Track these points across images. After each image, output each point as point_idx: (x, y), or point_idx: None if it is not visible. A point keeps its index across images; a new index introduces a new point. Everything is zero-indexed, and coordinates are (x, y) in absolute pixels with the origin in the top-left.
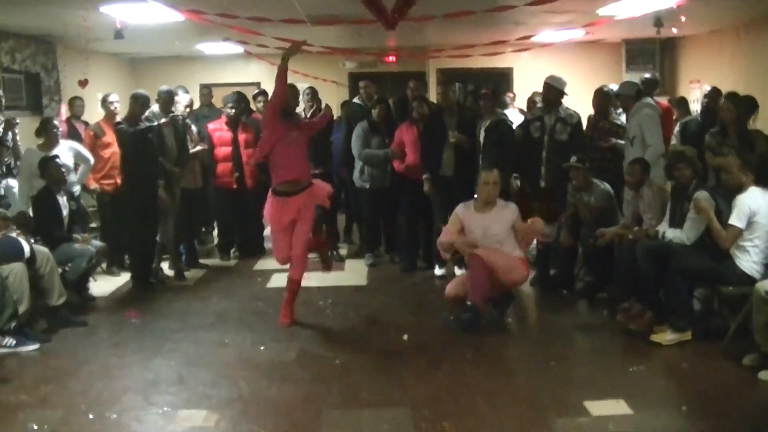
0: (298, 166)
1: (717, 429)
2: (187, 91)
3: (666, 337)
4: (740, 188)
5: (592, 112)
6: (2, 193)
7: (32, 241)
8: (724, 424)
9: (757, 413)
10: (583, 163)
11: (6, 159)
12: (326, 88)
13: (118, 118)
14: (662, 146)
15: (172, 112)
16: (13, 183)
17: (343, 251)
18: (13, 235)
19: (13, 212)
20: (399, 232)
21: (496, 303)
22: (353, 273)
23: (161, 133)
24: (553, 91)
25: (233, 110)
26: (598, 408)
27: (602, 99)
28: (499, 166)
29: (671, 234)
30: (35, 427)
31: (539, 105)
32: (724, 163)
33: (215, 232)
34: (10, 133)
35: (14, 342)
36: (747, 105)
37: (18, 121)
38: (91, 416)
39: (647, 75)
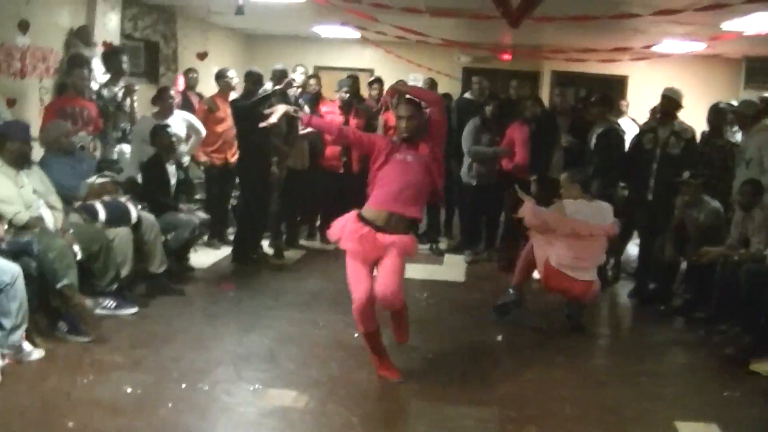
0: (403, 195)
1: None
2: (306, 72)
3: (765, 367)
4: None
5: (705, 127)
6: (116, 158)
7: (139, 207)
8: None
9: None
10: (696, 178)
11: (122, 124)
12: (439, 79)
13: (234, 94)
14: None
15: (286, 93)
16: (127, 149)
17: (443, 245)
18: (122, 199)
19: (123, 178)
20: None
21: (571, 313)
22: (451, 268)
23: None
24: (671, 103)
25: (347, 94)
26: (688, 429)
27: (717, 115)
28: (604, 174)
29: None
30: (129, 389)
31: (658, 116)
32: None
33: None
34: (128, 99)
35: (114, 304)
36: None
37: (137, 87)
38: (183, 385)
39: (766, 94)
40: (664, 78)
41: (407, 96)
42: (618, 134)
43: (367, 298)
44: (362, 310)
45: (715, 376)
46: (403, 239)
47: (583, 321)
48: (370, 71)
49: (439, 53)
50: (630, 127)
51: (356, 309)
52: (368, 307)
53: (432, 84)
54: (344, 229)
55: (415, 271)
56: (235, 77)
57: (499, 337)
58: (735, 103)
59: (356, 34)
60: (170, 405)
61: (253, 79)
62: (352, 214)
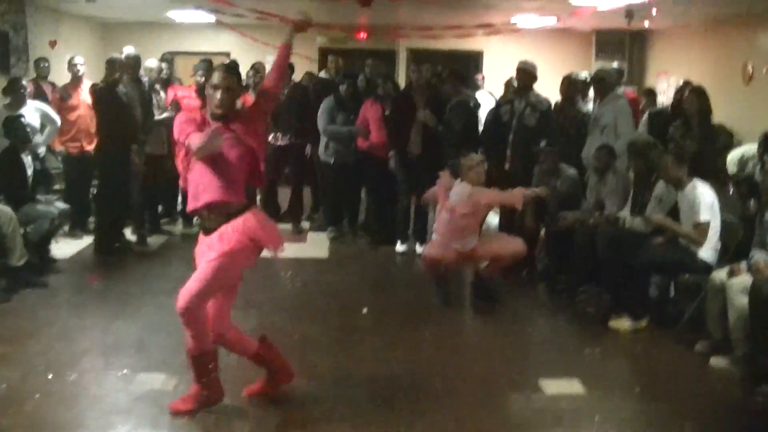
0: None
1: (668, 411)
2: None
3: (623, 324)
4: (679, 183)
5: (558, 98)
6: None
7: None
8: (675, 407)
9: (706, 397)
10: (553, 147)
11: None
12: (297, 61)
13: (86, 81)
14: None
15: (139, 77)
16: None
17: (305, 224)
18: None
19: None
20: (361, 208)
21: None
22: (315, 246)
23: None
24: (526, 75)
25: (203, 78)
26: (552, 386)
27: (570, 86)
28: (459, 145)
29: (631, 222)
30: None
31: (514, 89)
32: (661, 164)
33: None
34: None
35: None
36: (723, 139)
37: None
38: (50, 376)
39: (615, 65)
40: (518, 52)
41: (225, 65)
42: (466, 106)
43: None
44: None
45: (577, 335)
46: (227, 230)
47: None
48: (226, 54)
49: (296, 35)
50: (487, 100)
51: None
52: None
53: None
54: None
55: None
56: (80, 64)
57: (365, 310)
58: (585, 74)
59: (211, 18)
60: (37, 397)
61: (115, 66)
62: None
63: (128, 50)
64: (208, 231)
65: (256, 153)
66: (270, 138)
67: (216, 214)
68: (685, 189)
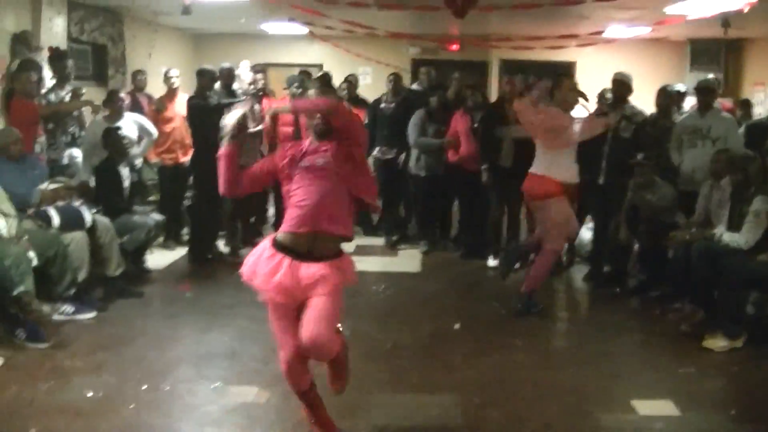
0: (319, 210)
1: None
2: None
3: (718, 343)
4: None
5: (653, 110)
6: (66, 162)
7: (93, 210)
8: None
9: None
10: (649, 160)
11: (71, 129)
12: (388, 72)
13: (181, 93)
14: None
15: (233, 89)
16: (77, 153)
17: (396, 237)
18: (76, 204)
19: (76, 182)
20: (452, 220)
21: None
22: (407, 259)
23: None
24: (622, 87)
25: (299, 90)
26: (645, 407)
27: (665, 98)
28: None
29: (728, 237)
30: (90, 392)
31: (609, 101)
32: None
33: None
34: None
35: (72, 309)
36: None
37: (84, 91)
38: (144, 386)
39: (711, 76)
40: (611, 63)
41: (319, 85)
42: None
43: (296, 356)
44: (291, 370)
45: (670, 353)
46: (335, 267)
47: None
48: (319, 66)
49: (388, 46)
50: (580, 112)
51: (284, 370)
52: (298, 366)
53: (396, 78)
54: (257, 265)
55: (371, 263)
56: (176, 76)
57: (457, 326)
58: (680, 86)
59: (304, 30)
60: (132, 406)
61: (207, 77)
62: (266, 242)
63: (225, 64)
64: (303, 257)
65: (358, 176)
66: (376, 152)
67: (321, 244)
68: None
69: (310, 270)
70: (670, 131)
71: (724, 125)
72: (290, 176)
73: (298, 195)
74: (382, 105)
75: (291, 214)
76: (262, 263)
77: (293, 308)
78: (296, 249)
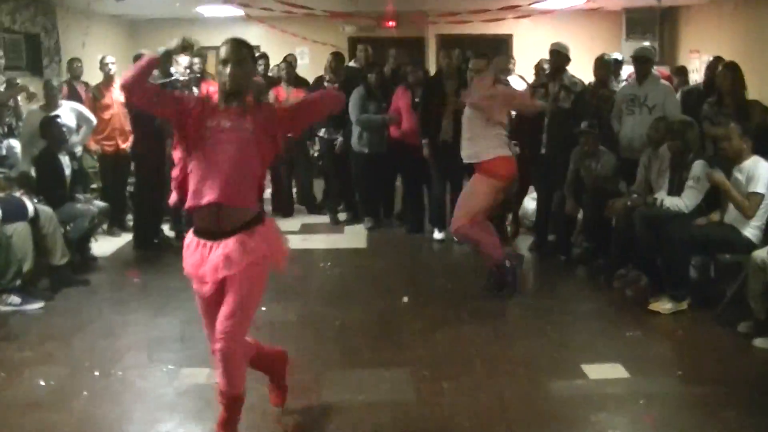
0: (226, 179)
1: (712, 394)
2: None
3: (664, 306)
4: (739, 157)
5: (591, 79)
6: (4, 153)
7: (35, 200)
8: (719, 390)
9: (752, 379)
10: (593, 129)
11: (7, 119)
12: (325, 51)
13: (118, 80)
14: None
15: (171, 74)
16: (15, 143)
17: (342, 216)
18: (17, 194)
19: (15, 173)
20: (395, 196)
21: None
22: (353, 236)
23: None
24: (560, 57)
25: None
26: (595, 371)
27: (603, 67)
28: None
29: (669, 202)
30: (42, 382)
31: (547, 72)
32: (723, 133)
33: None
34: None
35: (19, 300)
36: (758, 115)
37: (18, 81)
38: (96, 373)
39: (646, 44)
40: (547, 35)
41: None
42: None
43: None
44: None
45: (617, 318)
46: (248, 241)
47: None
48: (256, 48)
49: (324, 25)
50: (518, 84)
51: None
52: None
53: (337, 57)
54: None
55: (317, 241)
56: (112, 63)
57: (405, 299)
58: (617, 55)
59: (240, 12)
60: (86, 394)
61: None
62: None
63: (160, 49)
64: (212, 235)
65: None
66: (321, 133)
67: (227, 217)
68: (744, 163)
69: (218, 251)
70: (609, 100)
71: (661, 93)
72: (195, 135)
73: (203, 162)
74: (325, 84)
75: (195, 185)
76: (187, 250)
77: (215, 298)
78: (203, 226)
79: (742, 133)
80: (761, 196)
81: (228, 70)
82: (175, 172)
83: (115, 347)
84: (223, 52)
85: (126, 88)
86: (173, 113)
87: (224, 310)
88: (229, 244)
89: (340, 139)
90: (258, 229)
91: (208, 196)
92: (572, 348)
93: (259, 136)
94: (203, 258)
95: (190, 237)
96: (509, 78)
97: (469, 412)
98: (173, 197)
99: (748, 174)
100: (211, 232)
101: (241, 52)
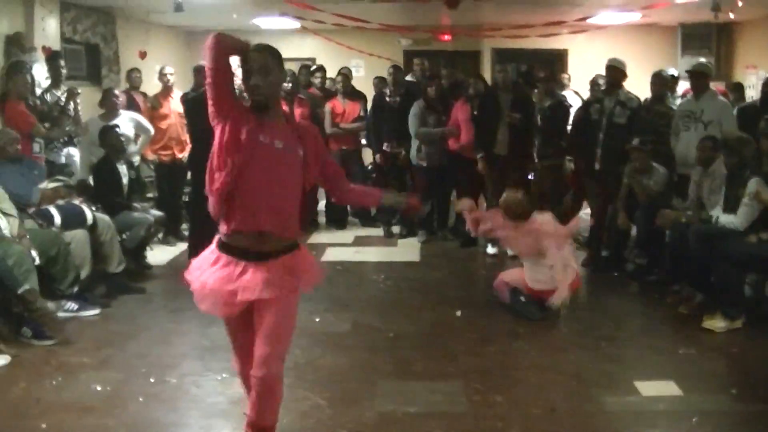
0: (276, 207)
1: (766, 412)
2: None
3: (717, 324)
4: None
5: (647, 95)
6: (64, 161)
7: (93, 209)
8: None
9: None
10: (645, 145)
11: (67, 128)
12: (381, 64)
13: (176, 90)
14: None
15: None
16: (74, 152)
17: (396, 229)
18: (76, 202)
19: (74, 181)
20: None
21: None
22: (406, 249)
23: None
24: (616, 73)
25: (290, 85)
26: (648, 388)
27: (660, 83)
28: (555, 147)
29: (724, 219)
30: (98, 387)
31: (602, 87)
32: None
33: None
34: (71, 103)
35: (76, 306)
36: None
37: (80, 91)
38: (152, 380)
39: (702, 60)
40: (603, 50)
41: (257, 45)
42: (565, 107)
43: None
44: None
45: (670, 335)
46: (287, 267)
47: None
48: (312, 60)
49: (379, 38)
50: (573, 99)
51: (254, 387)
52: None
53: (397, 71)
54: (202, 274)
55: (370, 254)
56: (170, 74)
57: (458, 313)
58: (673, 70)
59: (296, 24)
60: (140, 400)
61: (203, 74)
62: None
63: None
64: (249, 256)
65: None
66: (385, 146)
67: (269, 242)
68: None
69: (256, 272)
70: (666, 116)
71: (717, 108)
72: (240, 145)
73: (247, 179)
74: (388, 99)
75: (240, 206)
76: (206, 264)
77: (245, 323)
78: (240, 246)
79: None
80: None
81: (253, 79)
82: (218, 181)
83: (170, 354)
84: (248, 59)
85: (213, 59)
86: (230, 109)
87: (265, 334)
88: (271, 267)
89: (403, 152)
90: (297, 254)
91: (257, 226)
92: (625, 364)
93: (309, 162)
94: (231, 276)
95: (212, 251)
96: (564, 93)
97: (521, 424)
98: (215, 208)
99: None
100: (249, 253)
101: (266, 59)
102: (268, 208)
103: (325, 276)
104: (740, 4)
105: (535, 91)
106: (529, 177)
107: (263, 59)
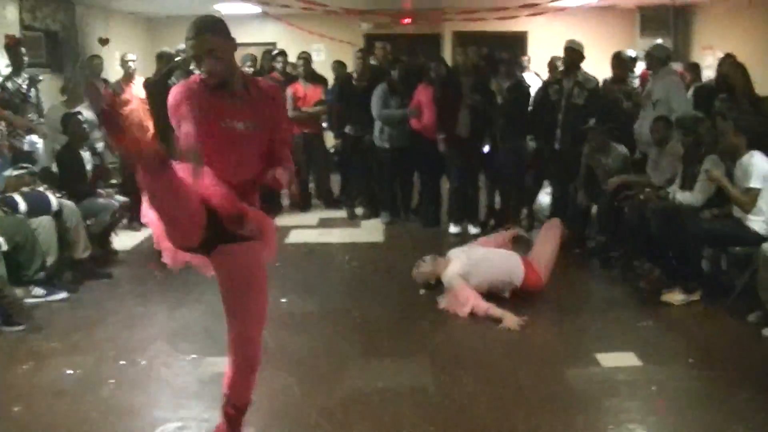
0: (241, 184)
1: (721, 380)
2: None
3: (676, 297)
4: (735, 153)
5: (605, 76)
6: (27, 149)
7: (58, 195)
8: (728, 376)
9: (760, 367)
10: (602, 125)
11: (30, 115)
12: (342, 48)
13: (137, 77)
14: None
15: (191, 71)
16: (37, 139)
17: (359, 211)
18: (41, 189)
19: (38, 168)
20: (413, 191)
21: None
22: (370, 230)
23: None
24: (574, 54)
25: (251, 69)
26: (609, 359)
27: (620, 65)
28: (516, 128)
29: (681, 197)
30: (69, 372)
31: (560, 69)
32: (720, 129)
33: None
34: (33, 90)
35: (44, 292)
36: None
37: (41, 78)
38: (122, 362)
39: (659, 41)
40: (562, 32)
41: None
42: (524, 88)
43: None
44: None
45: (630, 309)
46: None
47: None
48: (273, 44)
49: (340, 22)
50: (533, 81)
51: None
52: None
53: (365, 55)
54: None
55: (335, 235)
56: (132, 60)
57: (422, 291)
58: (632, 52)
59: (257, 9)
60: (111, 382)
61: (164, 60)
62: None
63: (180, 46)
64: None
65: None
66: (347, 129)
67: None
68: (742, 158)
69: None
70: (627, 95)
71: (665, 88)
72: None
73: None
74: (354, 82)
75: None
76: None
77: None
78: None
79: (736, 128)
80: (757, 190)
81: (205, 63)
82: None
83: (139, 338)
84: (189, 46)
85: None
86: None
87: (250, 313)
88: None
89: (366, 136)
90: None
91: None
92: (587, 337)
93: (269, 128)
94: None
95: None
96: (524, 74)
97: (487, 398)
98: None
99: (744, 169)
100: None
101: (207, 42)
102: (234, 186)
103: (291, 259)
104: None
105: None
106: (484, 151)
107: (205, 43)
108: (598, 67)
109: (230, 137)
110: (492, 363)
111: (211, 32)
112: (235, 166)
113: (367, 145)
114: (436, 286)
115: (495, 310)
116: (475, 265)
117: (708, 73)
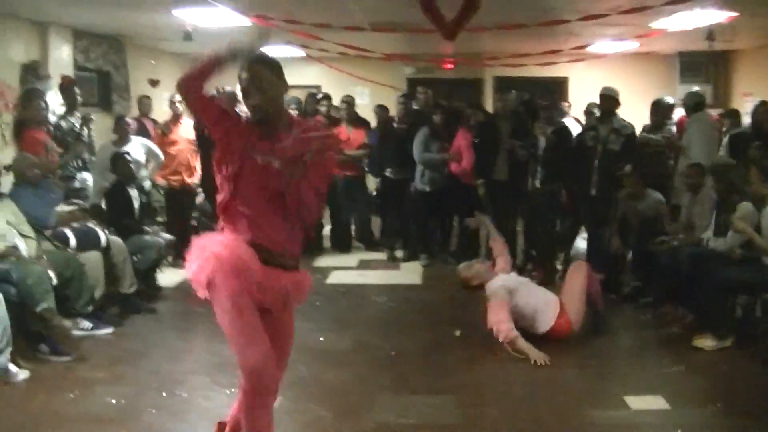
0: (284, 227)
1: (749, 427)
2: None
3: (707, 343)
4: (761, 201)
5: (645, 122)
6: (78, 186)
7: (107, 231)
8: (756, 423)
9: None
10: (636, 171)
11: (82, 154)
12: (385, 91)
13: (185, 118)
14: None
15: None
16: (88, 176)
17: (399, 253)
18: (91, 225)
19: (88, 204)
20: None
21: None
22: (408, 272)
23: None
24: (609, 101)
25: (296, 112)
26: (637, 402)
27: (658, 111)
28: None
29: (714, 244)
30: (113, 401)
31: (596, 115)
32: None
33: None
34: (85, 129)
35: (91, 325)
36: None
37: (93, 117)
38: (163, 393)
39: (696, 88)
40: (603, 77)
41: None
42: (569, 133)
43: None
44: (267, 368)
45: (661, 353)
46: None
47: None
48: (317, 87)
49: (383, 65)
50: (573, 126)
51: (259, 369)
52: (273, 364)
53: (407, 99)
54: (226, 252)
55: (373, 277)
56: (180, 101)
57: (457, 332)
58: (671, 98)
59: (301, 53)
60: (153, 412)
61: None
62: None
63: (227, 87)
64: (281, 266)
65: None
66: (387, 172)
67: (290, 259)
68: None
69: (284, 277)
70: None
71: (686, 134)
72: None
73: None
74: (395, 125)
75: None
76: (232, 249)
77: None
78: (274, 254)
79: (761, 176)
80: None
81: (248, 98)
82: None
83: (180, 370)
84: (241, 77)
85: (180, 86)
86: (209, 118)
87: (285, 341)
88: (291, 277)
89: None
90: (303, 271)
91: (266, 241)
92: (615, 379)
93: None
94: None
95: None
96: (565, 120)
97: None
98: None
99: None
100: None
101: (260, 73)
102: (269, 225)
103: (330, 297)
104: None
105: (537, 122)
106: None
107: (257, 73)
108: (639, 113)
109: (265, 173)
110: (519, 401)
111: (267, 67)
112: (265, 201)
113: (406, 188)
114: (475, 290)
115: (522, 342)
116: (521, 285)
117: (748, 120)
